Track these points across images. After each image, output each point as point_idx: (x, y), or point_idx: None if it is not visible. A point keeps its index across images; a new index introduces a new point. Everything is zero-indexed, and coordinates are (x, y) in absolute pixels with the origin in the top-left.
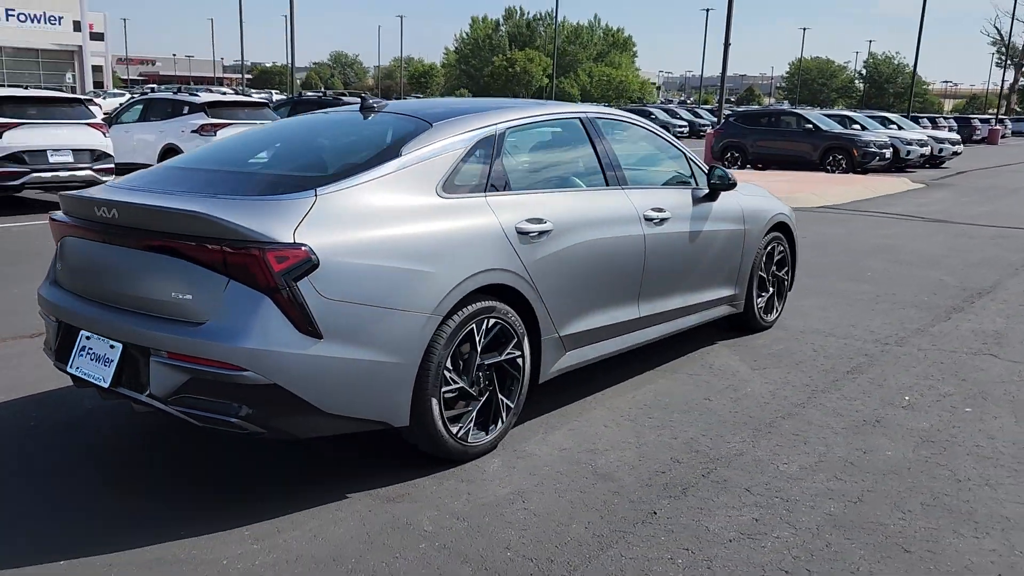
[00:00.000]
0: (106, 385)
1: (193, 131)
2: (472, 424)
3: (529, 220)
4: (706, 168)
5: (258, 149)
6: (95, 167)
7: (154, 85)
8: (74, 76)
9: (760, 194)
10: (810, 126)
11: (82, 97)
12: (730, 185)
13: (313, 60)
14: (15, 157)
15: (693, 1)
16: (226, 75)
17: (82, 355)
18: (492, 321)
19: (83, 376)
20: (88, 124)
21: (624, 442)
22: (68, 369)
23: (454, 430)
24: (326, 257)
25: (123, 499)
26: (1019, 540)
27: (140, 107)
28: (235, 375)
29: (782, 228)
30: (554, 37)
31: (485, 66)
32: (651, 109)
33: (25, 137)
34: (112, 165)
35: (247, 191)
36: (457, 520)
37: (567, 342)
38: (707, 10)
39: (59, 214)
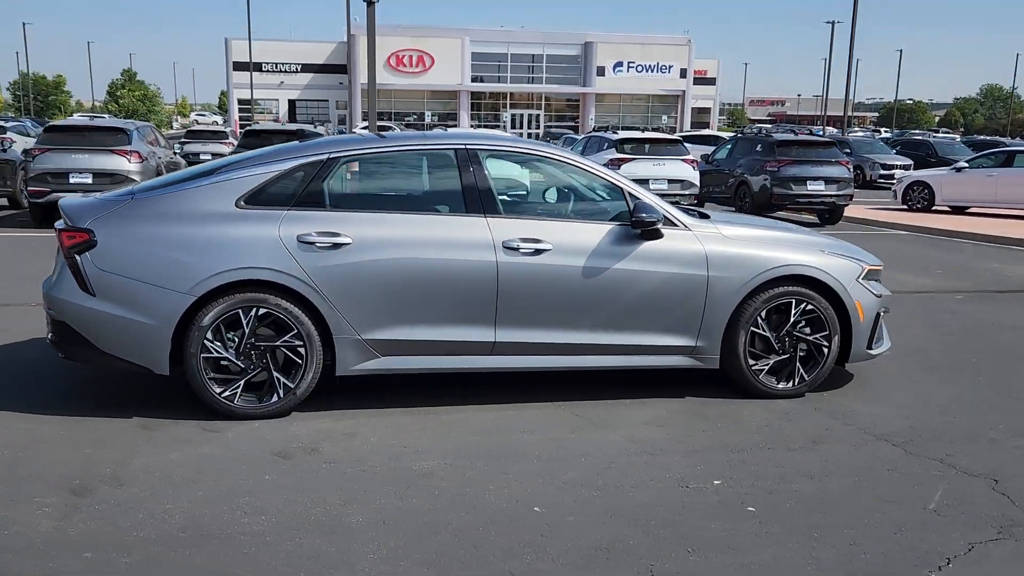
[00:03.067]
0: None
1: None
2: (240, 391)
3: (320, 233)
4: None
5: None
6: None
7: (766, 126)
8: (672, 117)
9: (764, 240)
10: None
11: (677, 138)
12: (643, 223)
13: (956, 95)
14: None
15: None
16: (857, 113)
17: None
18: (263, 311)
19: None
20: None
21: (356, 438)
22: None
23: (217, 391)
24: (106, 241)
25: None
26: None
27: None
28: (49, 312)
29: (811, 283)
30: None
31: None
32: None
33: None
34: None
35: (116, 193)
36: (137, 443)
37: (377, 347)
38: None
39: None
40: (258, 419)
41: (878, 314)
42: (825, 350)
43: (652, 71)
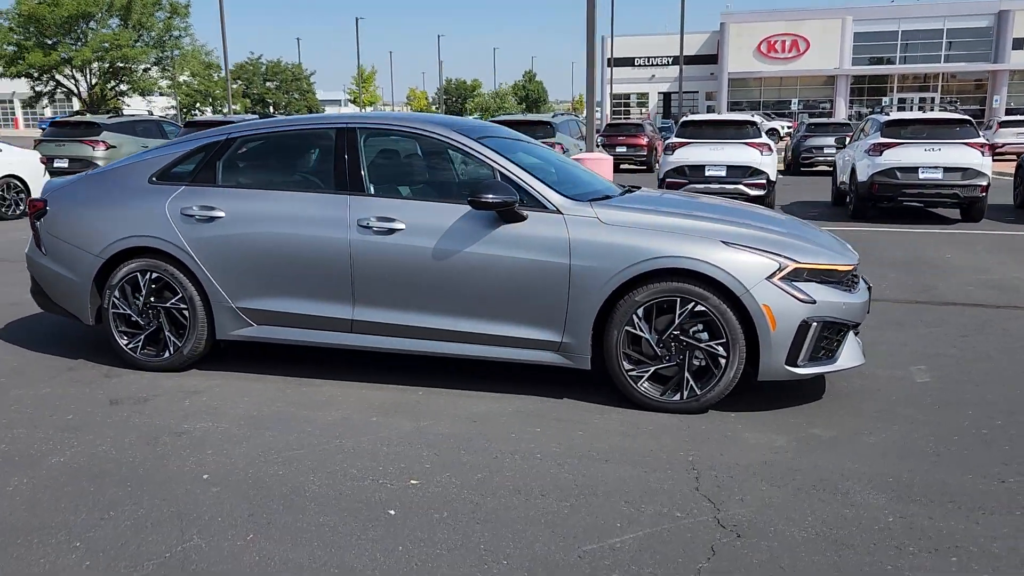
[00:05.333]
0: None
1: None
2: (140, 344)
3: (200, 207)
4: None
5: None
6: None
7: None
8: None
9: (649, 228)
10: None
11: (965, 118)
12: (479, 203)
13: None
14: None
15: None
16: None
17: None
18: (155, 275)
19: None
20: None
21: (194, 396)
22: None
23: (123, 342)
24: (53, 210)
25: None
26: None
27: None
28: (28, 268)
29: (705, 281)
30: None
31: None
32: None
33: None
34: None
35: (83, 173)
36: (42, 379)
37: (249, 315)
38: None
39: None
40: (154, 371)
41: (805, 323)
42: (722, 361)
43: None
